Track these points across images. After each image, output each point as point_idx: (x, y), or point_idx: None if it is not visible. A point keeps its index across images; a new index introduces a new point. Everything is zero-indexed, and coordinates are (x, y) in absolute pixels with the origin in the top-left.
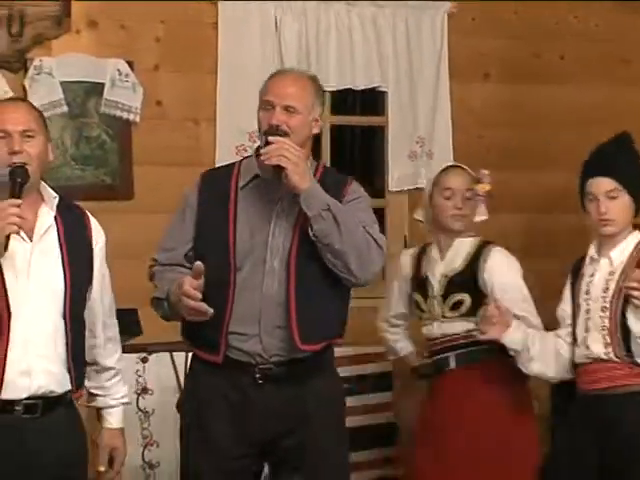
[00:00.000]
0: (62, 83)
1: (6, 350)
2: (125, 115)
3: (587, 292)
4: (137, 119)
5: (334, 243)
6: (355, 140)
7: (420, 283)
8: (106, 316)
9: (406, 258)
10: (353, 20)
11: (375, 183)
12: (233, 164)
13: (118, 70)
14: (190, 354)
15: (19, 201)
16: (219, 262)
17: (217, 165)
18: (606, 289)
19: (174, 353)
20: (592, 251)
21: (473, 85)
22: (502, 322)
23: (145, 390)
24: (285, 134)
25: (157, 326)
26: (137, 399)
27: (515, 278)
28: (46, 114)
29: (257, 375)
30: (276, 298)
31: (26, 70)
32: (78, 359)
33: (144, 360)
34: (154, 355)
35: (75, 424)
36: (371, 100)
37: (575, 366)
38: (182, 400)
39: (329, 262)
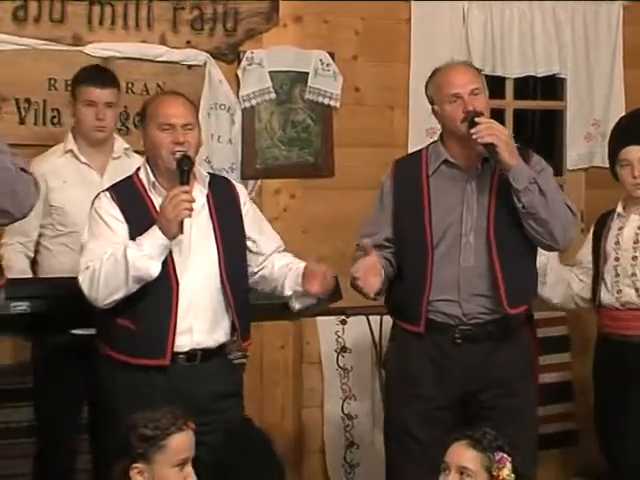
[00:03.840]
0: (271, 72)
1: (176, 313)
2: (327, 101)
3: (616, 243)
4: (337, 104)
5: (541, 213)
6: (536, 123)
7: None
8: (277, 252)
9: None
10: (534, 13)
11: (554, 162)
12: (420, 152)
13: (320, 60)
14: (384, 317)
15: (187, 187)
16: (417, 242)
17: (409, 146)
18: (636, 241)
19: (370, 316)
20: (619, 208)
21: None
22: None
23: (344, 349)
24: (481, 114)
25: (355, 292)
26: (337, 357)
27: None
28: (256, 101)
29: (456, 335)
30: (473, 270)
31: (239, 61)
32: (241, 314)
33: (343, 322)
34: (352, 318)
35: (228, 368)
36: (551, 86)
37: (599, 307)
38: (387, 359)
39: (533, 230)
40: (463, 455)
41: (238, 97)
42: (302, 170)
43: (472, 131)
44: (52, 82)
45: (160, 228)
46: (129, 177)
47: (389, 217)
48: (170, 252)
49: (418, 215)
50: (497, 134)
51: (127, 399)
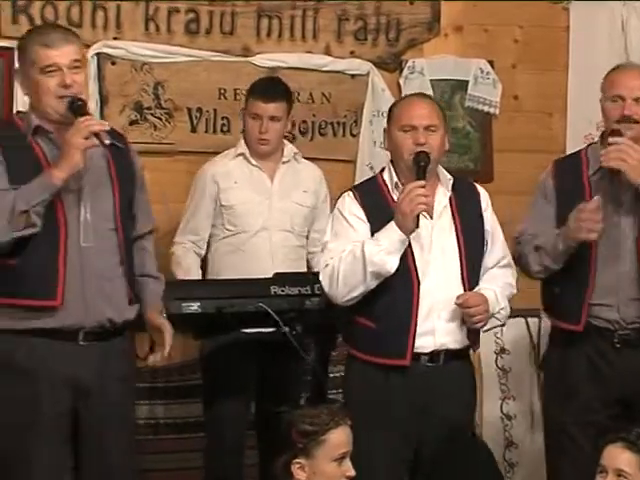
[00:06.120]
0: (432, 81)
1: (417, 313)
2: (486, 108)
3: None
4: (497, 112)
5: None
6: None
7: None
8: (497, 267)
9: None
10: None
11: None
12: (578, 152)
13: (480, 69)
14: (543, 319)
15: (423, 182)
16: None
17: (567, 152)
18: None
19: (529, 318)
20: None
21: None
22: None
23: (503, 350)
24: (636, 122)
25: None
26: (496, 358)
27: None
28: None
29: (616, 340)
30: (631, 274)
31: (401, 70)
32: None
33: (503, 324)
34: (511, 319)
35: (468, 374)
36: None
37: None
38: (545, 358)
39: None
40: (619, 457)
41: None
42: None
43: (602, 152)
44: (222, 92)
45: (396, 223)
46: (373, 177)
47: (553, 213)
48: (411, 252)
49: None
50: (625, 158)
51: (363, 396)
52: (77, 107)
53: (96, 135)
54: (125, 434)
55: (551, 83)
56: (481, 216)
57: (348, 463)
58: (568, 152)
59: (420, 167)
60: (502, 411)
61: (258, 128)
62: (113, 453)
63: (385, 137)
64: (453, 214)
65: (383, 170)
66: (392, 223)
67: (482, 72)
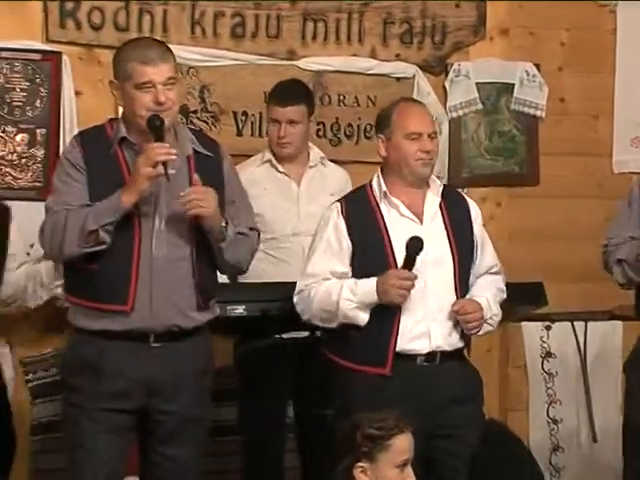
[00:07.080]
0: (477, 84)
1: (398, 325)
2: (532, 111)
3: None
4: (543, 115)
5: None
6: None
7: None
8: (487, 274)
9: None
10: None
11: None
12: None
13: (526, 72)
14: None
15: (413, 274)
16: None
17: (614, 155)
18: None
19: (575, 322)
20: None
21: None
22: None
23: (549, 354)
24: None
25: (560, 297)
26: (542, 362)
27: None
28: (463, 111)
29: None
30: None
31: (446, 73)
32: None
33: (548, 328)
34: (557, 323)
35: (469, 370)
36: None
37: None
38: (630, 361)
39: None
40: None
41: (445, 108)
42: (508, 179)
43: None
44: (267, 95)
45: (377, 293)
46: (363, 186)
47: (637, 219)
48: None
49: None
50: None
51: (360, 404)
52: (154, 126)
53: (163, 164)
54: (194, 434)
55: (597, 86)
56: (470, 224)
57: (409, 470)
58: (615, 155)
59: (410, 256)
60: (548, 415)
61: (277, 132)
62: (180, 451)
63: (381, 144)
64: (444, 219)
65: (372, 180)
66: (374, 284)
67: (528, 75)
